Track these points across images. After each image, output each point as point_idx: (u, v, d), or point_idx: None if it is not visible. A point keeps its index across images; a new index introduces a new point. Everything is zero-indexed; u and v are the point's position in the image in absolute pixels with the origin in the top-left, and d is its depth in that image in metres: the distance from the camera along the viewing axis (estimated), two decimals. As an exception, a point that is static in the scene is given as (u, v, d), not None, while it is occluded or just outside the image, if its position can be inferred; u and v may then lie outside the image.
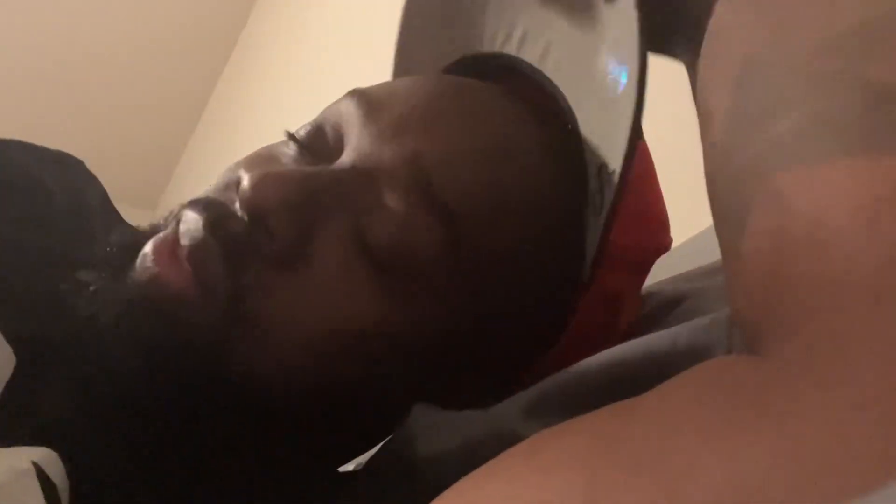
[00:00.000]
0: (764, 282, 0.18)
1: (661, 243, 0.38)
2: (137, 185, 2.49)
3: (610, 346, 0.30)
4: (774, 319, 0.18)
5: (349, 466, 0.40)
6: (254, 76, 2.15)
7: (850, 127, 0.17)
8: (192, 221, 0.31)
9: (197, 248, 0.31)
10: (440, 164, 0.32)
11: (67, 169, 0.42)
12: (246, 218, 0.31)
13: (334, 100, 0.36)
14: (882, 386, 0.14)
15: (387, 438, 0.34)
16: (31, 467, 0.25)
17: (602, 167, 0.31)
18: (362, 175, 0.32)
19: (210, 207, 0.32)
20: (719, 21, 0.23)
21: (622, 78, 0.30)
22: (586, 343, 0.33)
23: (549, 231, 0.35)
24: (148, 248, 0.31)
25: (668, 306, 0.38)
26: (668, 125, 0.87)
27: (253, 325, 0.31)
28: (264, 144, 0.37)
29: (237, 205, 0.32)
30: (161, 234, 0.32)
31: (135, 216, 0.41)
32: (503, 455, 0.21)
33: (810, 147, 0.18)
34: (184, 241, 0.31)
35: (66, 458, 0.27)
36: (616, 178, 0.30)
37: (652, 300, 0.40)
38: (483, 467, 0.20)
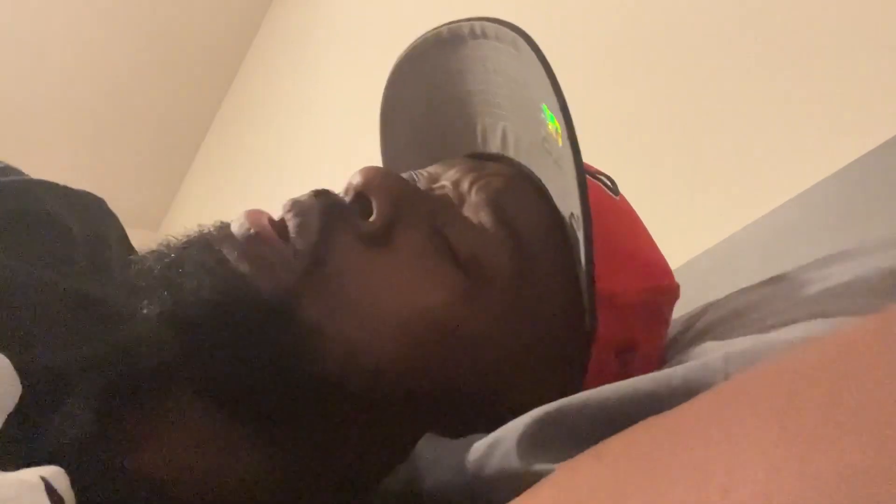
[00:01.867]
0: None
1: (656, 286, 0.40)
2: (141, 206, 2.51)
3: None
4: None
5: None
6: (258, 99, 2.17)
7: None
8: (299, 197, 0.35)
9: (298, 202, 0.35)
10: (509, 193, 0.39)
11: (89, 207, 0.43)
12: (351, 197, 0.36)
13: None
14: None
15: (394, 471, 0.34)
16: (40, 481, 0.26)
17: (571, 215, 0.36)
18: (447, 196, 0.39)
19: (319, 190, 0.36)
20: None
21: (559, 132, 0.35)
22: None
23: (560, 271, 0.38)
24: (241, 215, 0.35)
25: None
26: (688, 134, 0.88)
27: (326, 288, 0.33)
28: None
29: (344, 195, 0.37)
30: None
31: (137, 237, 0.42)
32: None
33: None
34: (286, 204, 0.35)
35: (73, 476, 0.27)
36: (580, 216, 0.34)
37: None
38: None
